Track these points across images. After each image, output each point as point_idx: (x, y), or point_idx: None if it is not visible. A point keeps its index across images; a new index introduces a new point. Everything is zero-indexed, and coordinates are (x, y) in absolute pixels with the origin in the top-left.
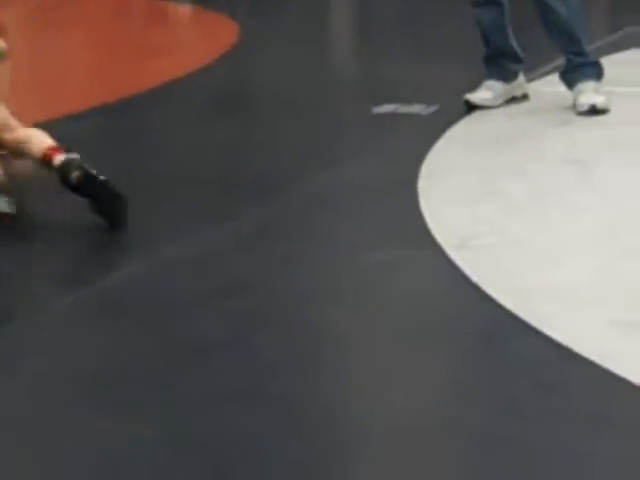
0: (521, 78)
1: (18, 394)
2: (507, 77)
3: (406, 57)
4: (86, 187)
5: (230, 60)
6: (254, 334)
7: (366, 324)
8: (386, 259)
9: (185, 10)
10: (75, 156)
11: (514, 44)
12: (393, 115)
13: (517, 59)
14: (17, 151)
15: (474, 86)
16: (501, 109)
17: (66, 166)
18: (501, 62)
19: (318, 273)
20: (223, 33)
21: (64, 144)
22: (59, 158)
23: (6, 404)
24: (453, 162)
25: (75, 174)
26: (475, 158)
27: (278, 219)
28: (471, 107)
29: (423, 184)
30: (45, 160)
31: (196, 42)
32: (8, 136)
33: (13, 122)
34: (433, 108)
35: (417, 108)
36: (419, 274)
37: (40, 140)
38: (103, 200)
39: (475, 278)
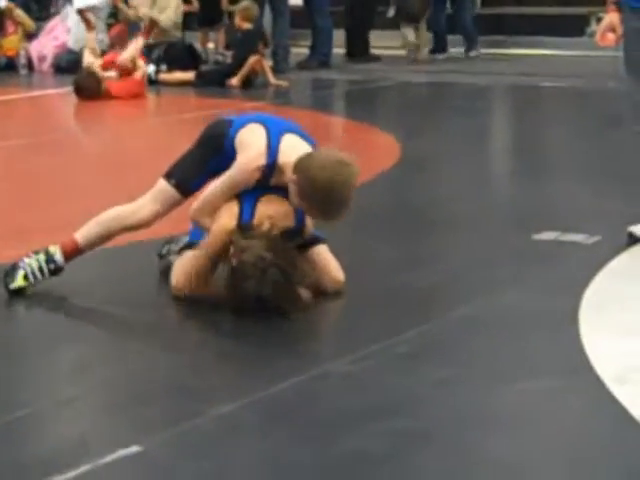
0: None
1: None
2: None
3: (570, 180)
4: None
5: (390, 178)
6: (411, 453)
7: (523, 452)
8: (543, 388)
9: (347, 125)
10: None
11: None
12: (554, 243)
13: None
14: None
15: (638, 217)
16: None
17: None
18: None
19: (473, 398)
20: (384, 150)
21: None
22: None
23: None
24: (614, 294)
25: None
26: (637, 291)
27: (434, 341)
28: (634, 240)
29: (583, 315)
30: None
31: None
32: None
33: None
34: (595, 238)
35: (579, 237)
36: (576, 405)
37: None
38: None
39: (636, 413)
